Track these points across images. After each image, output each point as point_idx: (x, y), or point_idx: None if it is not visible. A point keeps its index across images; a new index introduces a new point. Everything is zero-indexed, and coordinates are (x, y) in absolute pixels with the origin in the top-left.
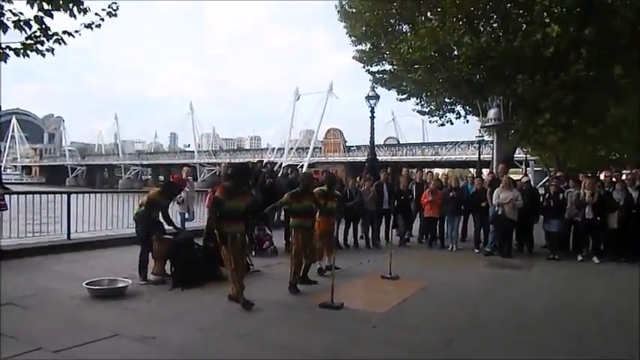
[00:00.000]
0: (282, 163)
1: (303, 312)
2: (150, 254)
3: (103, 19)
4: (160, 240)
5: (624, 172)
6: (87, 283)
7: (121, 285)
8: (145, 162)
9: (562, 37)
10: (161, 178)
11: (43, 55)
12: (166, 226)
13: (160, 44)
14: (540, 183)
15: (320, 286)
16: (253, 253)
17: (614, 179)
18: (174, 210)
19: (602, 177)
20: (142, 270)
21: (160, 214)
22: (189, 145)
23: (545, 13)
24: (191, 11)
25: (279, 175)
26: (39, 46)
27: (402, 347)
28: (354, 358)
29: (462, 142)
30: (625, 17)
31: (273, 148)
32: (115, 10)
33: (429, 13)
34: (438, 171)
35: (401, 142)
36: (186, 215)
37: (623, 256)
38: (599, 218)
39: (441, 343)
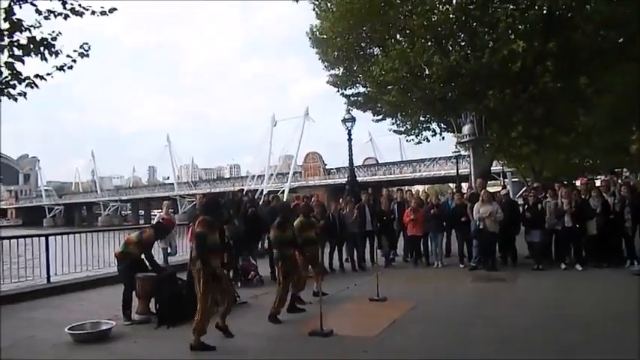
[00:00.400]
0: (263, 190)
1: (293, 342)
2: (133, 293)
3: (75, 61)
4: (143, 278)
5: (599, 178)
6: (69, 329)
7: (104, 327)
8: (124, 197)
9: (528, 52)
10: (141, 212)
11: (15, 100)
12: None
13: (134, 78)
14: (519, 194)
15: (308, 314)
16: (239, 284)
17: (588, 186)
18: (155, 245)
19: (578, 184)
20: (126, 310)
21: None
22: (168, 178)
23: (509, 30)
24: (164, 44)
25: (261, 202)
26: (10, 90)
27: None
28: None
29: (440, 158)
30: (585, 31)
31: (254, 176)
32: (86, 51)
33: (398, 36)
34: (418, 188)
35: (380, 162)
36: (169, 250)
37: (605, 262)
38: (578, 226)
39: None
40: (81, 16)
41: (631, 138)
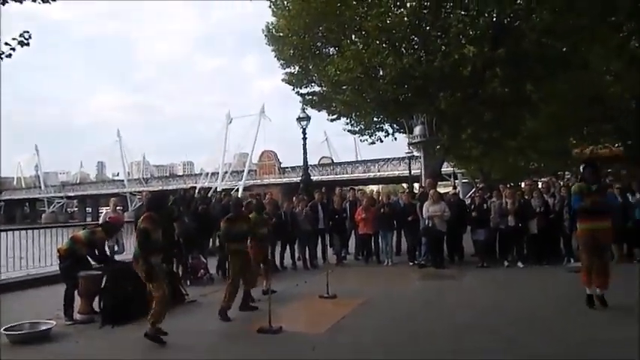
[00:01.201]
0: (216, 188)
1: (242, 339)
2: (76, 292)
3: (14, 49)
4: (86, 277)
5: (543, 180)
6: (5, 329)
7: (44, 328)
8: (70, 194)
9: (477, 57)
10: (89, 209)
11: None
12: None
13: (83, 70)
14: (468, 195)
15: (258, 312)
16: (188, 282)
17: (531, 188)
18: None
19: (523, 186)
20: (67, 309)
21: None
22: (118, 174)
23: (461, 36)
24: (114, 36)
25: (214, 200)
26: None
27: None
28: None
29: (394, 159)
30: (530, 39)
31: (207, 173)
32: (27, 40)
33: (353, 36)
34: (373, 188)
35: (335, 161)
36: (116, 248)
37: (544, 259)
38: (520, 225)
39: (379, 357)
40: (20, 2)
41: (572, 142)
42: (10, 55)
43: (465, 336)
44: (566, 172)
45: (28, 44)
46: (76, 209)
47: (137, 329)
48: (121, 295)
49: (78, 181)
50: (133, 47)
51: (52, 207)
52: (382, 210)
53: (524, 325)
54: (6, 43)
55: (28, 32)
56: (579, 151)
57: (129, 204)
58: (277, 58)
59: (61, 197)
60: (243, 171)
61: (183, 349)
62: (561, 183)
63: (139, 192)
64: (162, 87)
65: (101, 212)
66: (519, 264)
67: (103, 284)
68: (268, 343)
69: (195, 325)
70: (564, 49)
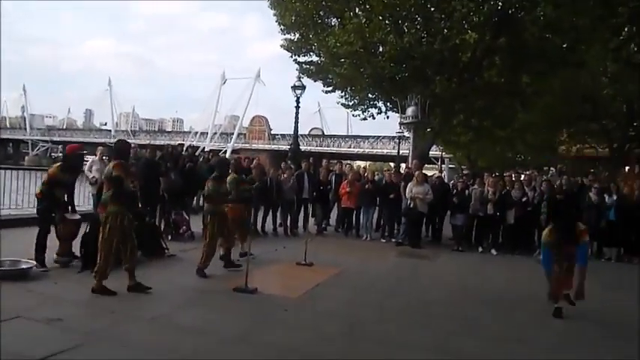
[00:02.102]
0: (204, 148)
1: (217, 296)
2: (55, 235)
3: None
4: (65, 219)
5: (524, 172)
6: None
7: (24, 266)
8: (55, 138)
9: (478, 44)
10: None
11: None
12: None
13: (78, 14)
14: (453, 180)
15: (235, 272)
16: (169, 237)
17: (513, 179)
18: (87, 191)
19: (506, 176)
20: (39, 254)
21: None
22: (105, 124)
23: (464, 21)
24: None
25: (201, 159)
26: None
27: (309, 330)
28: (264, 340)
29: (384, 137)
30: (532, 32)
31: (197, 132)
32: None
33: (357, 9)
34: (360, 163)
35: (326, 134)
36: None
37: (517, 249)
38: (498, 214)
39: (347, 326)
40: None
41: (560, 139)
42: None
43: (431, 315)
44: (551, 168)
45: None
46: (60, 154)
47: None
48: None
49: (64, 127)
50: None
51: (36, 150)
52: (366, 186)
53: (487, 308)
54: None
55: None
56: (565, 149)
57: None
58: (278, 23)
59: (46, 141)
60: (233, 133)
61: (159, 300)
62: (544, 177)
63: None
64: (158, 40)
65: (86, 160)
66: (493, 251)
67: (86, 230)
68: (243, 301)
69: (173, 278)
70: (564, 46)
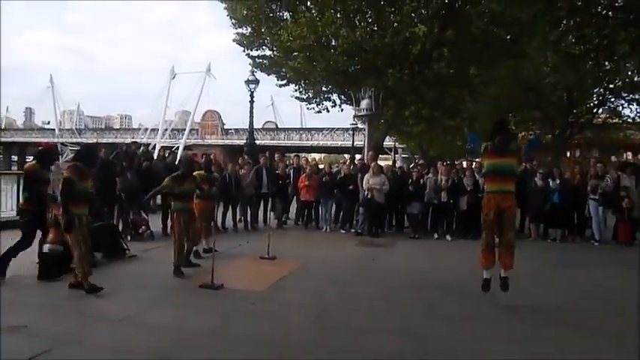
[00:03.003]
0: (155, 145)
1: (184, 293)
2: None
3: None
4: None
5: (475, 160)
6: None
7: None
8: None
9: (427, 37)
10: (14, 158)
11: None
12: None
13: (10, 4)
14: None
15: (200, 269)
16: (129, 238)
17: (465, 167)
18: None
19: (457, 165)
20: (4, 264)
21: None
22: (48, 122)
23: (413, 14)
24: None
25: (156, 157)
26: None
27: (277, 321)
28: (234, 333)
29: (338, 129)
30: (477, 26)
31: (147, 129)
32: None
33: (309, 3)
34: (315, 156)
35: (279, 127)
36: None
37: (470, 234)
38: (451, 201)
39: (313, 315)
40: None
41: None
42: None
43: (392, 299)
44: None
45: None
46: (0, 156)
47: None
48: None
49: (3, 127)
50: None
51: None
52: (324, 178)
53: (445, 291)
54: None
55: None
56: None
57: (60, 155)
58: (230, 17)
59: None
60: (184, 129)
61: (126, 300)
62: None
63: (72, 143)
64: (102, 33)
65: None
66: (448, 237)
67: (40, 238)
68: (210, 297)
69: (137, 279)
70: (508, 38)
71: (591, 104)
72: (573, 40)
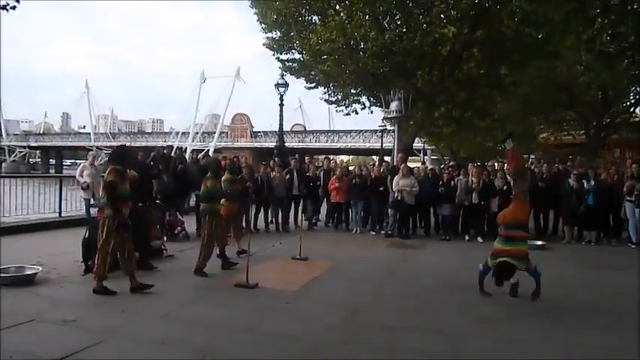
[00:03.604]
0: (186, 148)
1: (220, 292)
2: None
3: (18, 1)
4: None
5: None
6: None
7: (29, 272)
8: (33, 144)
9: (457, 38)
10: (52, 161)
11: None
12: None
13: (47, 15)
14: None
15: (234, 270)
16: (165, 239)
17: (496, 168)
18: (78, 196)
19: (488, 166)
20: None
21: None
22: (84, 127)
23: (442, 15)
24: None
25: (188, 160)
26: None
27: (312, 320)
28: (270, 330)
29: (366, 131)
30: (508, 25)
31: (178, 132)
32: None
33: (337, 7)
34: (343, 158)
35: (308, 129)
36: (92, 201)
37: None
38: (482, 203)
39: (347, 314)
40: None
41: (539, 128)
42: (14, 7)
43: (424, 298)
44: (531, 156)
45: None
46: (38, 160)
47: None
48: None
49: (42, 131)
50: None
51: (13, 156)
52: (354, 180)
53: (476, 291)
54: None
55: None
56: (545, 137)
57: (95, 158)
58: (260, 22)
59: (24, 147)
60: (214, 132)
61: (165, 298)
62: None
63: (106, 147)
64: (134, 39)
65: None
66: (479, 239)
67: (85, 234)
68: (245, 295)
69: (175, 277)
70: (539, 37)
71: (628, 103)
72: (608, 39)
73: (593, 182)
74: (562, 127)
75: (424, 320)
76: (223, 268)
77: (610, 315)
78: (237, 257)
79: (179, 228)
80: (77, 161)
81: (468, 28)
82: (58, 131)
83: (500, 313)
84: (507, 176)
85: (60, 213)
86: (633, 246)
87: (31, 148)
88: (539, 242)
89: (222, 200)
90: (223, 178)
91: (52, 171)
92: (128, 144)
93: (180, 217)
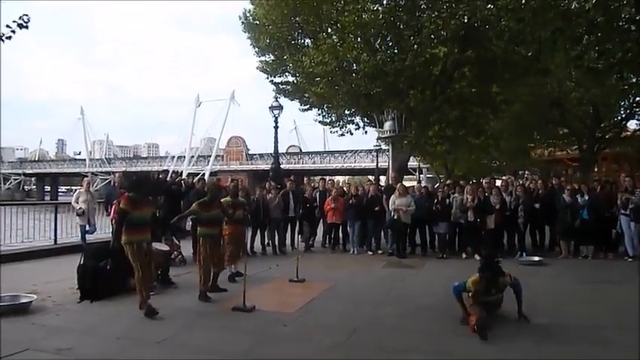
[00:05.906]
0: (182, 172)
1: (217, 316)
2: None
3: (14, 31)
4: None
5: (502, 178)
6: None
7: (24, 300)
8: (28, 171)
9: (448, 57)
10: (47, 188)
11: None
12: None
13: (39, 41)
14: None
15: (230, 293)
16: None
17: (490, 185)
18: (74, 222)
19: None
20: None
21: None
22: (79, 153)
23: (433, 36)
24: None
25: (184, 184)
26: None
27: (310, 342)
28: (268, 355)
29: (361, 151)
30: (497, 45)
31: (174, 156)
32: (26, 23)
33: (329, 30)
34: (339, 178)
35: (303, 151)
36: (87, 227)
37: (499, 253)
38: (479, 220)
39: (345, 336)
40: None
41: (532, 145)
42: (10, 37)
43: (420, 319)
44: (526, 172)
45: (27, 27)
46: (33, 187)
47: (116, 304)
48: (100, 271)
49: (37, 158)
50: (95, 20)
51: (7, 184)
52: (350, 201)
53: None
54: (7, 26)
55: (27, 15)
56: (538, 153)
57: (91, 184)
58: (253, 46)
59: (18, 174)
60: (210, 156)
61: (162, 324)
62: (520, 182)
63: (102, 172)
64: (127, 64)
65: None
66: (476, 256)
67: (80, 261)
68: (243, 319)
69: (172, 302)
70: (529, 55)
71: (619, 118)
72: (596, 55)
73: (586, 197)
74: (555, 143)
75: (423, 341)
76: (210, 291)
77: (610, 329)
78: (230, 281)
79: (175, 252)
80: (72, 187)
81: (458, 48)
82: (54, 158)
83: (499, 332)
84: (502, 193)
85: (55, 240)
86: (630, 259)
87: (26, 175)
88: (536, 258)
89: (225, 224)
90: (223, 200)
91: (47, 198)
92: (124, 169)
93: (177, 242)
